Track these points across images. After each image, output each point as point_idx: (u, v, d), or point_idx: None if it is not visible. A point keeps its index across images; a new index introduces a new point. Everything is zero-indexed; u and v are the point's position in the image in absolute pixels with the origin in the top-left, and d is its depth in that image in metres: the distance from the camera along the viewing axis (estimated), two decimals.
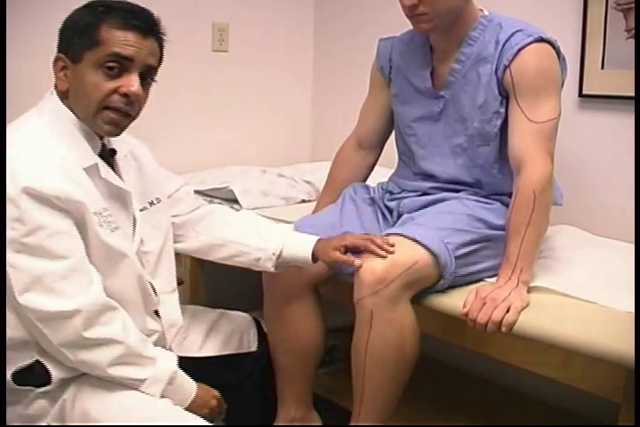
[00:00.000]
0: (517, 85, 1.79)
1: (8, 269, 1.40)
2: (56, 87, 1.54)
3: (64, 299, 1.41)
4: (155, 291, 1.67)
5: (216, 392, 1.66)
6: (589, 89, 2.27)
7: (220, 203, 2.57)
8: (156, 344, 1.65)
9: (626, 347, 1.41)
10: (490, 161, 1.91)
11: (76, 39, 1.48)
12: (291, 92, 3.28)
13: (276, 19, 3.14)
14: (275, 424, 2.00)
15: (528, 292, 1.70)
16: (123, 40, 1.47)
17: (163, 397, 1.54)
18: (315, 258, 1.77)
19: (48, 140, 1.49)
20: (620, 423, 1.51)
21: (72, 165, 1.47)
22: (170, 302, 1.74)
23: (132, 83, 1.48)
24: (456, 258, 1.74)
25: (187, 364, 1.77)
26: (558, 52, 1.83)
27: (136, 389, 1.52)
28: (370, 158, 2.20)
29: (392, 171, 2.16)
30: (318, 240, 1.79)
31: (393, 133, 2.15)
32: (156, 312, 1.69)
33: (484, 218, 1.84)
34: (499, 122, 1.86)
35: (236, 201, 2.53)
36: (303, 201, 2.65)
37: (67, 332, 1.43)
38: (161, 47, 1.57)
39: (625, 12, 2.15)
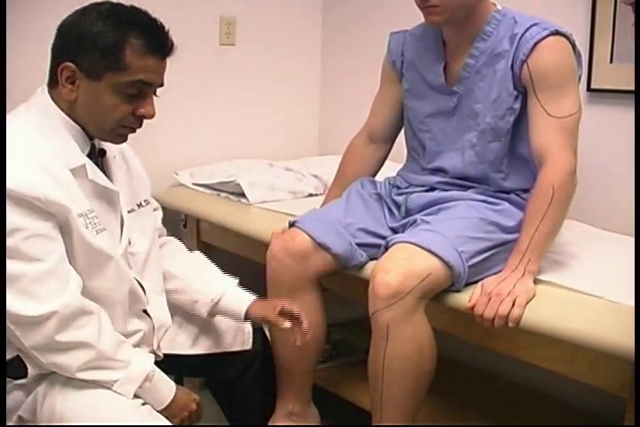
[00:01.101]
0: (536, 80, 1.78)
1: None
2: (50, 86, 1.52)
3: (37, 302, 1.40)
4: (144, 290, 1.67)
5: (196, 396, 1.66)
6: (598, 83, 2.26)
7: (226, 197, 2.59)
8: (139, 344, 1.65)
9: (632, 342, 1.40)
10: (500, 157, 1.90)
11: (95, 56, 1.45)
12: (298, 85, 3.28)
13: (283, 11, 3.14)
14: (270, 424, 1.99)
15: (534, 284, 1.69)
16: (145, 66, 1.47)
17: (137, 397, 1.53)
18: (247, 316, 1.78)
19: (34, 139, 1.47)
20: (627, 417, 1.51)
21: (57, 166, 1.45)
22: (158, 303, 1.74)
23: (149, 107, 1.52)
24: (470, 266, 1.73)
25: (176, 362, 1.78)
26: (574, 47, 1.82)
27: (108, 388, 1.51)
28: (380, 152, 2.19)
29: (400, 166, 2.16)
30: (255, 300, 1.79)
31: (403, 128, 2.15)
32: (145, 311, 1.69)
33: (495, 221, 1.83)
34: (512, 118, 1.86)
35: (243, 195, 2.53)
36: (310, 195, 2.65)
37: (38, 336, 1.42)
38: None
39: (633, 5, 2.14)
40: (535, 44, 1.77)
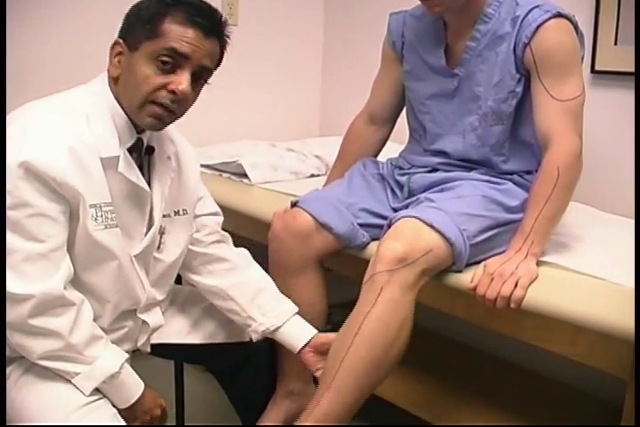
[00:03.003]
0: (539, 63, 1.77)
1: None
2: (108, 72, 1.50)
3: (20, 281, 1.38)
4: (146, 294, 1.64)
5: (163, 402, 1.63)
6: (602, 65, 2.26)
7: (228, 177, 2.58)
8: (122, 340, 1.64)
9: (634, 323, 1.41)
10: (501, 140, 1.90)
11: (138, 28, 1.44)
12: (300, 66, 3.27)
13: None
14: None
15: (537, 265, 1.69)
16: (182, 36, 1.43)
17: (100, 392, 1.51)
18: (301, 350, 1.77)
19: (77, 120, 1.45)
20: (627, 399, 1.52)
21: (88, 152, 1.43)
22: (154, 309, 1.72)
23: (182, 81, 1.44)
24: (471, 246, 1.72)
25: (173, 349, 1.78)
26: (576, 28, 1.80)
27: (69, 381, 1.48)
28: (381, 133, 2.18)
29: (403, 146, 2.15)
30: (314, 338, 1.77)
31: (404, 109, 2.14)
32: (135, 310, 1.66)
33: (498, 200, 1.83)
34: (514, 101, 1.85)
35: (245, 175, 2.52)
36: (312, 175, 2.64)
37: (12, 314, 1.40)
38: (222, 49, 1.53)
39: None
40: (538, 27, 1.76)
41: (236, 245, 1.88)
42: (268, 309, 1.77)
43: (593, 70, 2.26)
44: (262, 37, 3.09)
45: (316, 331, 1.79)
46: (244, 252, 1.87)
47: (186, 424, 2.14)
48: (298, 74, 3.27)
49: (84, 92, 1.51)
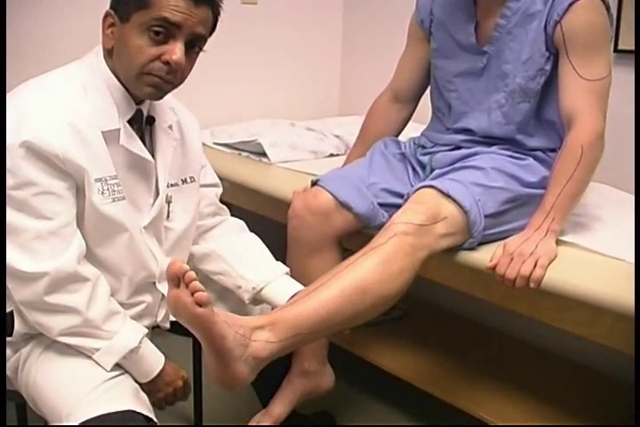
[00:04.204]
0: (569, 42, 1.76)
1: None
2: (102, 44, 1.49)
3: (33, 260, 1.39)
4: (159, 265, 1.62)
5: (184, 373, 1.64)
6: (625, 44, 2.24)
7: (247, 156, 2.58)
8: (142, 315, 1.64)
9: None
10: (527, 118, 1.89)
11: None
12: (320, 45, 3.25)
13: None
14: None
15: (557, 245, 1.69)
16: (173, 5, 1.40)
17: (121, 367, 1.52)
18: None
19: (75, 95, 1.45)
20: None
21: (88, 126, 1.43)
22: None
23: (176, 51, 1.42)
24: (486, 217, 1.73)
25: (186, 328, 1.79)
26: (607, 8, 1.79)
27: (89, 357, 1.49)
28: (405, 112, 2.17)
29: (424, 127, 2.14)
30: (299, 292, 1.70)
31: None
32: (155, 284, 1.66)
33: (516, 174, 1.82)
34: (542, 79, 1.84)
35: (264, 154, 2.52)
36: (332, 155, 2.64)
37: (27, 292, 1.41)
38: (215, 16, 1.51)
39: None
40: (569, 5, 1.74)
41: (256, 224, 1.89)
42: (258, 268, 1.75)
43: (616, 49, 2.24)
44: (282, 16, 3.07)
45: (297, 289, 1.71)
46: (238, 221, 1.88)
47: (204, 403, 2.15)
48: (317, 53, 3.25)
49: (78, 67, 1.51)
